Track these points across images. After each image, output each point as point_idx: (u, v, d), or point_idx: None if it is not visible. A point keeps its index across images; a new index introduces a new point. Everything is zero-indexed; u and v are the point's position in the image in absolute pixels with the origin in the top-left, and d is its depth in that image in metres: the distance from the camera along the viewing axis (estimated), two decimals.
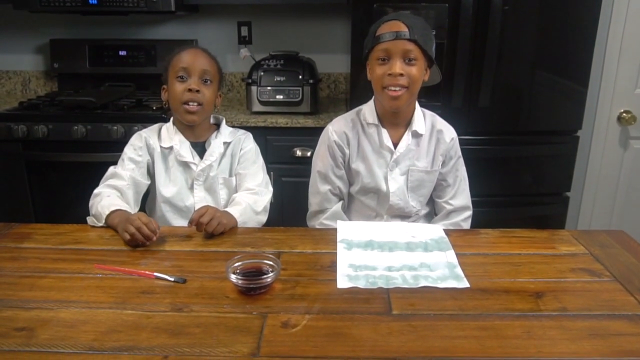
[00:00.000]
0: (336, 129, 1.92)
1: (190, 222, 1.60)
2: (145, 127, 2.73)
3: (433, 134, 1.90)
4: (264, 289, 1.29)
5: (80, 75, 3.50)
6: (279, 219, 2.85)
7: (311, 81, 2.93)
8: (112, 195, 1.79)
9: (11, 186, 2.98)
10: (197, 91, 1.83)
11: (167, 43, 3.40)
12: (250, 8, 3.39)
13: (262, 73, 2.92)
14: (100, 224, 1.68)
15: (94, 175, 2.90)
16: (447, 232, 1.63)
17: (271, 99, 2.91)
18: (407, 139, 1.86)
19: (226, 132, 2.01)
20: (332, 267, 1.42)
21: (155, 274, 1.37)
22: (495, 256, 1.50)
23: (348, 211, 1.99)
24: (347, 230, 1.64)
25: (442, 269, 1.40)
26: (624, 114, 3.02)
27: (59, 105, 3.00)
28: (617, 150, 3.11)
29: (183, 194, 1.94)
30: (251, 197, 1.89)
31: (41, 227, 1.68)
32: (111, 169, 1.93)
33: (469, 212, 1.95)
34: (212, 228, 1.60)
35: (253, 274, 1.31)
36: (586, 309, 1.22)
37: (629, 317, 1.19)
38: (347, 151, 1.90)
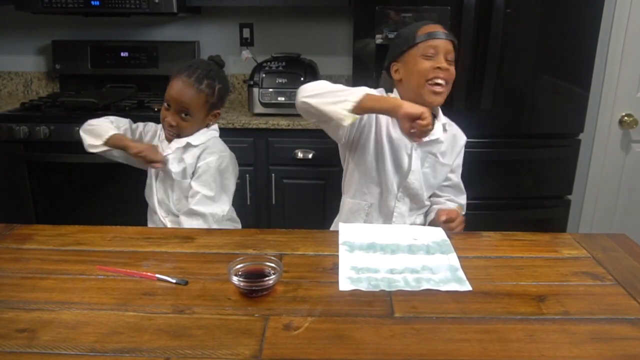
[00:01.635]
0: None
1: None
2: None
3: (453, 138, 2.01)
4: (265, 291, 1.28)
5: (82, 76, 3.52)
6: (281, 220, 2.85)
7: None
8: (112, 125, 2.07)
9: (12, 187, 3.00)
10: (172, 126, 1.97)
11: (169, 44, 3.41)
12: (252, 10, 3.39)
13: (263, 75, 2.93)
14: (99, 143, 2.02)
15: (95, 176, 2.93)
16: (449, 235, 1.62)
17: (273, 101, 2.91)
18: (438, 128, 1.94)
19: (199, 136, 2.05)
20: (334, 269, 1.42)
21: (157, 275, 1.37)
22: (497, 259, 1.49)
23: (365, 184, 2.00)
24: (349, 232, 1.64)
25: (445, 272, 1.40)
26: (626, 118, 3.03)
27: (61, 106, 3.01)
28: (619, 154, 3.11)
29: (150, 185, 2.10)
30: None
31: (43, 228, 1.68)
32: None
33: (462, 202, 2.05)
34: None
35: (255, 276, 1.30)
36: (589, 312, 1.22)
37: (632, 321, 1.19)
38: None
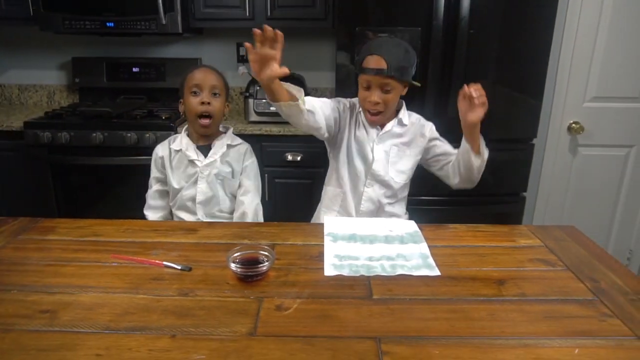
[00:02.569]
0: (349, 100, 1.99)
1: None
2: (155, 134, 2.76)
3: (416, 128, 1.98)
4: (260, 276, 1.27)
5: (99, 89, 3.49)
6: (273, 214, 2.84)
7: None
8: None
9: (37, 186, 2.98)
10: (208, 103, 1.92)
11: (175, 61, 3.40)
12: (248, 31, 3.32)
13: (257, 87, 2.92)
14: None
15: (111, 176, 2.92)
16: (420, 227, 1.62)
17: (266, 110, 2.91)
18: (392, 123, 1.93)
19: (230, 137, 2.06)
20: (320, 257, 1.41)
21: (164, 262, 1.35)
22: (462, 248, 1.49)
23: (340, 175, 2.00)
24: (333, 224, 1.63)
25: (417, 259, 1.39)
26: (574, 125, 3.03)
27: (80, 115, 2.99)
28: (567, 156, 3.12)
29: (189, 187, 1.98)
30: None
31: (64, 221, 1.66)
32: (149, 192, 2.10)
33: None
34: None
35: (250, 263, 1.29)
36: (542, 294, 1.22)
37: (580, 301, 1.19)
38: (349, 112, 1.96)
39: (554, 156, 3.13)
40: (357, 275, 1.31)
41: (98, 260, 1.38)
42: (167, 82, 3.40)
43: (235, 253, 1.32)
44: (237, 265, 1.27)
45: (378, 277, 1.30)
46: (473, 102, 1.74)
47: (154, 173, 2.07)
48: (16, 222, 1.64)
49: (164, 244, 1.50)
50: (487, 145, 2.76)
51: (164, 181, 2.05)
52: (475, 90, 1.74)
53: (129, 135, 2.79)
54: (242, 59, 3.42)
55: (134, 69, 3.43)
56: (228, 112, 2.07)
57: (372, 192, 1.95)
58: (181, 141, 2.02)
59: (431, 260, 1.39)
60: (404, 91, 1.89)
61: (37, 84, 3.64)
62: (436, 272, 1.32)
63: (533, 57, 2.68)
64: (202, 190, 1.98)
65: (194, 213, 1.99)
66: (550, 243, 1.52)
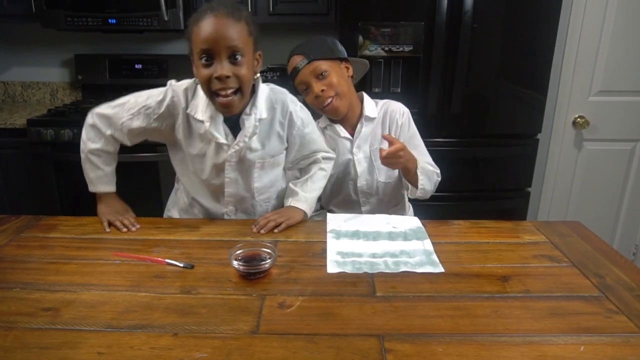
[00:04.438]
0: None
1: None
2: None
3: (387, 116, 1.89)
4: (262, 273, 1.27)
5: (101, 85, 3.48)
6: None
7: None
8: (102, 168, 1.74)
9: (41, 183, 2.97)
10: (227, 77, 1.39)
11: (177, 57, 3.39)
12: None
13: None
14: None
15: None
16: (423, 223, 1.61)
17: None
18: (361, 125, 1.86)
19: (262, 105, 1.57)
20: (323, 254, 1.40)
21: (167, 260, 1.35)
22: (466, 244, 1.48)
23: (331, 203, 1.98)
24: (336, 221, 1.62)
25: (420, 256, 1.38)
26: (579, 119, 3.02)
27: (83, 112, 2.97)
28: (572, 151, 3.11)
29: (213, 172, 1.61)
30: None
31: (66, 219, 1.66)
32: (113, 115, 1.66)
33: (437, 171, 1.86)
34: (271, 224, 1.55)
35: (253, 260, 1.29)
36: (547, 291, 1.21)
37: (585, 298, 1.18)
38: None
39: (559, 151, 3.12)
40: (360, 272, 1.30)
41: (100, 258, 1.38)
42: (170, 79, 3.37)
43: (237, 250, 1.31)
44: (240, 263, 1.26)
45: (381, 274, 1.29)
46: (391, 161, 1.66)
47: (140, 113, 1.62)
48: (19, 219, 1.64)
49: (166, 241, 1.49)
50: (492, 141, 2.77)
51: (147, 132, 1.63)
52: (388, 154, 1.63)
53: None
54: None
55: (137, 66, 3.42)
56: (259, 67, 1.52)
57: (371, 207, 1.93)
58: (205, 109, 1.53)
59: (435, 257, 1.38)
60: (350, 72, 1.83)
61: (40, 81, 3.63)
62: (440, 268, 1.31)
63: (537, 51, 2.67)
64: (231, 179, 1.62)
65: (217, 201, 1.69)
66: (555, 239, 1.50)
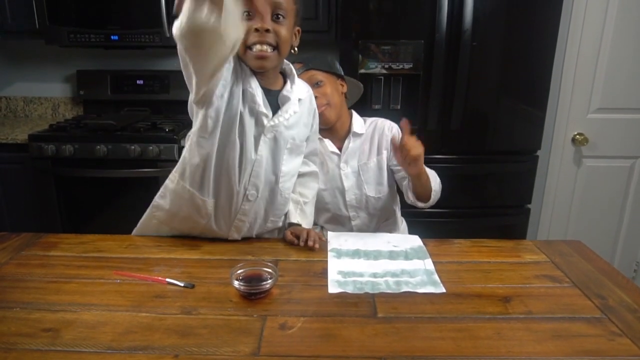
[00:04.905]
0: None
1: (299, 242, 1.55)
2: (158, 147, 2.75)
3: (375, 132, 1.91)
4: (263, 294, 1.26)
5: (103, 101, 3.50)
6: None
7: None
8: None
9: (42, 198, 2.97)
10: (267, 30, 1.35)
11: (179, 74, 3.30)
12: None
13: None
14: None
15: (114, 188, 2.91)
16: (424, 242, 1.60)
17: None
18: (349, 140, 1.88)
19: (300, 85, 1.57)
20: (324, 273, 1.39)
21: (167, 279, 1.34)
22: (467, 264, 1.47)
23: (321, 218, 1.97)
24: (337, 240, 1.61)
25: (421, 276, 1.37)
26: (578, 136, 3.02)
27: (84, 127, 3.00)
28: (572, 168, 3.11)
29: (247, 147, 1.47)
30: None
31: (67, 236, 1.64)
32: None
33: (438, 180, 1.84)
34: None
35: (254, 279, 1.27)
36: (549, 312, 1.20)
37: (588, 319, 1.17)
38: None
39: (558, 167, 3.12)
40: (362, 292, 1.29)
41: (101, 277, 1.37)
42: (171, 95, 3.39)
43: (238, 270, 1.30)
44: (240, 283, 1.25)
45: (382, 295, 1.28)
46: (407, 155, 1.57)
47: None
48: (19, 237, 1.62)
49: (167, 260, 1.48)
50: (492, 157, 2.77)
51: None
52: (405, 145, 1.56)
53: (133, 147, 2.78)
54: None
55: (138, 82, 3.43)
56: (297, 42, 1.52)
57: (360, 221, 1.93)
58: (245, 75, 1.44)
59: (436, 277, 1.37)
60: (344, 89, 1.88)
61: (42, 96, 3.64)
62: (441, 289, 1.30)
63: (536, 69, 2.68)
64: (263, 155, 1.50)
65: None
66: (557, 258, 1.49)
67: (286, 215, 1.71)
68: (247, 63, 1.42)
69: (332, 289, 1.30)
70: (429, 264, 1.45)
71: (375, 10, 2.61)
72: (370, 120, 1.94)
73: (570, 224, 3.19)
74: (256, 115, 1.46)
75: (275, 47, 1.38)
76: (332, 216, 1.92)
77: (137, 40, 2.99)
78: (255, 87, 1.44)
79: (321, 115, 1.78)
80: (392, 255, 1.51)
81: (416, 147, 1.56)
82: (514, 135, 2.77)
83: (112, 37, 3.00)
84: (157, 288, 1.31)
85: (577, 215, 3.18)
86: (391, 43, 2.61)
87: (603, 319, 1.17)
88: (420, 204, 1.81)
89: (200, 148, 1.46)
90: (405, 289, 1.30)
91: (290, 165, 1.59)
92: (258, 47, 1.36)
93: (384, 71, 2.64)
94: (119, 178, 2.86)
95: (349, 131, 1.90)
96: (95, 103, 3.53)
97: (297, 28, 1.49)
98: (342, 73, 1.90)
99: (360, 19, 2.63)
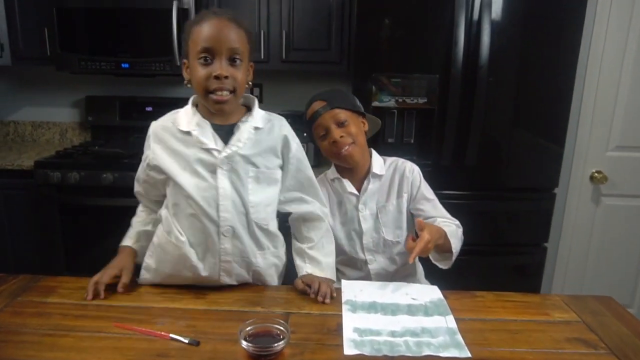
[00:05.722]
0: None
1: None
2: None
3: (396, 173, 1.82)
4: (274, 355, 1.15)
5: (111, 127, 3.43)
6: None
7: None
8: (135, 224, 1.72)
9: (46, 226, 2.89)
10: (226, 77, 1.39)
11: (187, 101, 3.33)
12: (262, 72, 3.29)
13: None
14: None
15: (121, 218, 2.80)
16: (444, 293, 1.49)
17: None
18: (368, 181, 1.79)
19: (258, 116, 1.53)
20: (338, 330, 1.28)
21: (171, 335, 1.24)
22: (492, 322, 1.35)
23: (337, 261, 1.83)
24: (351, 290, 1.50)
25: (443, 336, 1.26)
26: (596, 174, 2.92)
27: (91, 154, 2.95)
28: (590, 206, 2.99)
29: (204, 185, 1.47)
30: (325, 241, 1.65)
31: (66, 280, 1.55)
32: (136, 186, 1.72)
33: (457, 222, 1.78)
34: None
35: (264, 338, 1.17)
36: None
37: None
38: None
39: (576, 206, 3.00)
40: (380, 354, 1.17)
41: (100, 330, 1.26)
42: None
43: (247, 327, 1.19)
44: (250, 345, 1.14)
45: (402, 358, 1.17)
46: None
47: (141, 173, 1.64)
48: (16, 280, 1.53)
49: (171, 310, 1.38)
50: (507, 194, 2.67)
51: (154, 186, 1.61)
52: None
53: None
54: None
55: (147, 108, 3.37)
56: (252, 77, 1.52)
57: (378, 266, 1.82)
58: (190, 119, 1.50)
59: (459, 338, 1.25)
60: (365, 127, 1.81)
61: (50, 121, 3.59)
62: (466, 352, 1.19)
63: (554, 105, 2.59)
64: (225, 188, 1.47)
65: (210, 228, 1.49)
66: (588, 318, 1.37)
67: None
68: (206, 105, 1.46)
69: (348, 350, 1.19)
70: (451, 321, 1.33)
71: (390, 43, 2.53)
72: (390, 160, 1.85)
73: (589, 264, 3.06)
74: (204, 152, 1.47)
75: (233, 91, 1.42)
76: (348, 259, 1.82)
77: (147, 68, 2.93)
78: (200, 127, 1.48)
79: (347, 155, 1.72)
80: (411, 309, 1.40)
81: (424, 252, 1.53)
82: (531, 172, 2.67)
83: (122, 64, 2.95)
84: (160, 345, 1.21)
85: (595, 255, 3.06)
86: (405, 77, 2.52)
87: None
88: (440, 266, 1.71)
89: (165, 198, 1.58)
90: (426, 351, 1.19)
91: (261, 195, 1.53)
92: (218, 93, 1.40)
93: (397, 105, 2.55)
94: (126, 207, 2.75)
95: (368, 172, 1.80)
96: (103, 129, 3.46)
97: (251, 64, 1.51)
98: (363, 110, 1.82)
99: (373, 51, 2.55)
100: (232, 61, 1.40)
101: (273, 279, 1.62)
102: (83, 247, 2.92)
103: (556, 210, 2.79)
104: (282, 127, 1.57)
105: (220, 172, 1.46)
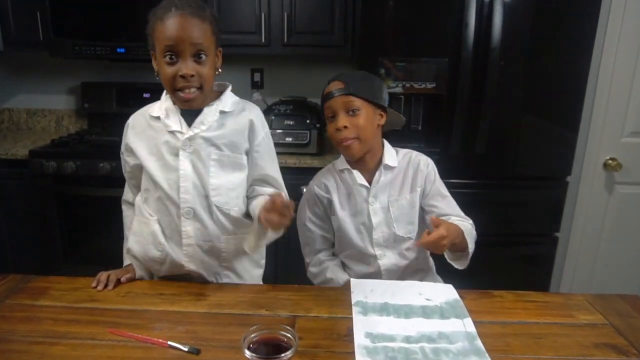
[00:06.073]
0: (316, 183, 1.76)
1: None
2: None
3: (409, 166, 1.71)
4: None
5: (108, 114, 3.33)
6: (287, 251, 2.63)
7: (317, 125, 2.78)
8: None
9: (42, 217, 2.83)
10: (192, 75, 1.38)
11: None
12: (263, 57, 3.20)
13: (273, 117, 2.79)
14: None
15: (119, 208, 2.72)
16: (460, 294, 1.40)
17: (281, 141, 2.76)
18: (379, 173, 1.68)
19: (227, 100, 1.52)
20: (349, 335, 1.19)
21: (169, 342, 1.15)
22: (513, 325, 1.26)
23: (344, 254, 1.77)
24: (362, 290, 1.41)
25: (462, 341, 1.17)
26: (610, 161, 2.81)
27: (87, 143, 2.87)
28: (603, 194, 2.89)
29: (167, 167, 1.48)
30: None
31: (58, 280, 1.46)
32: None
33: (470, 221, 1.69)
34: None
35: (269, 346, 1.08)
36: None
37: None
38: (327, 197, 1.72)
39: (589, 194, 2.90)
40: None
41: (93, 337, 1.18)
42: None
43: (251, 334, 1.10)
44: (254, 355, 1.05)
45: None
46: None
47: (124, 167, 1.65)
48: (6, 280, 1.44)
49: (169, 313, 1.29)
50: (518, 183, 2.57)
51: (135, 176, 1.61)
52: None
53: None
54: (256, 85, 3.26)
55: (145, 95, 3.24)
56: (220, 64, 1.50)
57: (389, 262, 1.71)
58: (161, 105, 1.52)
59: (479, 343, 1.16)
60: (382, 121, 1.66)
61: (46, 108, 3.50)
62: None
63: (568, 90, 2.48)
64: (186, 170, 1.46)
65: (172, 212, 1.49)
66: (615, 320, 1.28)
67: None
68: (175, 101, 1.48)
69: (360, 358, 1.10)
70: (469, 324, 1.24)
71: (396, 25, 2.42)
72: (403, 152, 1.74)
73: (600, 253, 2.97)
74: (170, 135, 1.48)
75: (200, 87, 1.42)
76: (357, 253, 1.72)
77: (144, 53, 2.80)
78: (168, 111, 1.49)
79: (347, 147, 1.61)
80: (425, 312, 1.30)
81: (438, 249, 1.43)
82: (543, 160, 2.56)
83: (118, 49, 2.85)
84: (157, 354, 1.12)
85: (607, 244, 2.96)
86: (413, 60, 2.42)
87: None
88: (456, 266, 1.61)
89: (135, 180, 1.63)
90: (444, 359, 1.10)
91: (223, 179, 1.51)
92: (185, 90, 1.40)
93: (404, 90, 2.44)
94: (111, 199, 2.69)
95: (380, 163, 1.69)
96: (100, 116, 3.37)
97: (219, 49, 1.50)
98: (387, 103, 1.67)
99: (379, 33, 2.44)
100: (197, 57, 1.39)
101: (251, 275, 1.61)
102: (81, 238, 2.87)
103: (568, 199, 2.70)
104: (251, 112, 1.56)
105: (182, 154, 1.46)
